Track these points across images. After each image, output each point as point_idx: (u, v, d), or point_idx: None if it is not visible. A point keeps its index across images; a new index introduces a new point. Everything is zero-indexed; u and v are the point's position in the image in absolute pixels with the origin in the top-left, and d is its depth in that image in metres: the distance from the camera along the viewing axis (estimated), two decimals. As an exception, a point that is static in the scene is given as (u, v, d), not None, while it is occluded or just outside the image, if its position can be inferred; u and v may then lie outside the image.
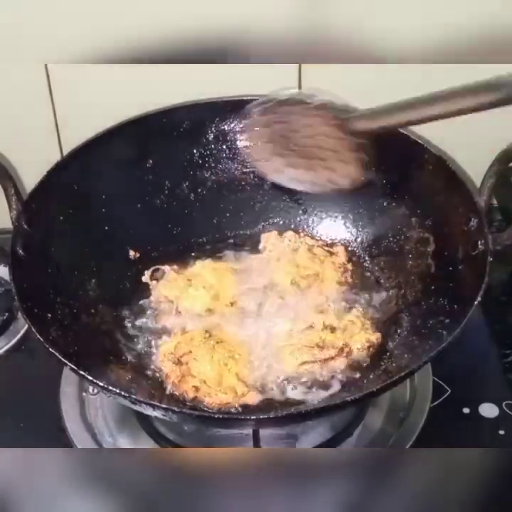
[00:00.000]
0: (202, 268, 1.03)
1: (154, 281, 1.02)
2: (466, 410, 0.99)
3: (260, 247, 1.06)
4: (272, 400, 0.91)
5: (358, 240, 1.07)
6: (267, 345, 0.96)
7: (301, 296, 1.00)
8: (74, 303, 0.95)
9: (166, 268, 1.03)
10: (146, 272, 1.03)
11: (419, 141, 1.00)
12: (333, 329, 0.95)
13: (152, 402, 0.81)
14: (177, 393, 0.90)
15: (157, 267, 1.03)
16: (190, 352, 0.92)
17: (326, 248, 1.06)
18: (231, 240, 1.09)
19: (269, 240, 1.06)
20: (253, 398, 0.89)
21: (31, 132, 1.13)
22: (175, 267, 1.03)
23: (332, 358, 0.93)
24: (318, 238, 1.08)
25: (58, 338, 0.87)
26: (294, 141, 0.94)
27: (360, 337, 0.94)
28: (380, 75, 1.08)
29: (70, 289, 0.96)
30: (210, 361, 0.91)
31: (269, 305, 1.00)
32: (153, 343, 0.97)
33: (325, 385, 0.92)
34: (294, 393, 0.92)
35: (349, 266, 1.04)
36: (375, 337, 0.95)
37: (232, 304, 1.00)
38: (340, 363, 0.93)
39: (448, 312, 0.89)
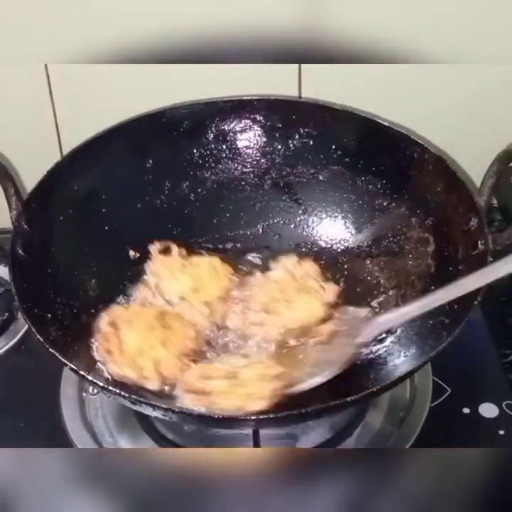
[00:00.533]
0: (202, 261, 1.02)
1: (160, 255, 1.03)
2: (466, 410, 0.99)
3: (272, 265, 1.04)
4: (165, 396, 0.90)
5: (358, 239, 1.07)
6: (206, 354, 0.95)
7: (265, 320, 0.98)
8: (74, 303, 0.95)
9: (174, 249, 1.03)
10: (156, 242, 1.03)
11: (419, 141, 1.00)
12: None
13: (152, 402, 0.81)
14: (99, 350, 0.90)
15: (169, 244, 1.03)
16: (131, 321, 0.92)
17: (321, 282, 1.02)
18: (231, 240, 1.09)
19: (285, 264, 1.04)
20: (152, 385, 0.89)
21: (31, 132, 1.13)
22: (183, 251, 1.03)
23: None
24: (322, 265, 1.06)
25: (58, 338, 0.87)
26: None
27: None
28: (380, 75, 1.08)
29: (70, 289, 0.96)
30: (141, 336, 0.91)
31: (231, 320, 0.99)
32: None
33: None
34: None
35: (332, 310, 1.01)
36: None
37: (206, 303, 0.99)
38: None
39: (448, 312, 0.89)
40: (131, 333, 0.91)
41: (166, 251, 1.03)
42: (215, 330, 0.98)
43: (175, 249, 1.03)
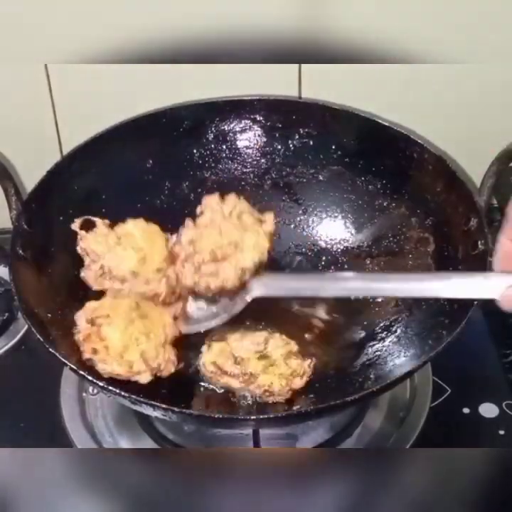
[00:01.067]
0: (133, 227, 0.99)
1: (83, 231, 0.97)
2: (466, 410, 0.99)
3: (198, 210, 0.99)
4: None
5: (358, 239, 1.07)
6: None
7: (215, 267, 0.95)
8: (74, 303, 0.95)
9: (98, 221, 0.98)
10: (76, 219, 0.97)
11: (419, 141, 1.00)
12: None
13: (152, 402, 0.81)
14: (85, 351, 0.88)
15: (89, 217, 0.98)
16: (108, 316, 0.90)
17: (257, 215, 0.98)
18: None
19: (208, 204, 0.99)
20: (144, 378, 0.88)
21: (31, 132, 1.13)
22: (107, 221, 0.99)
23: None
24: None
25: (58, 338, 0.87)
26: None
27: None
28: (380, 75, 1.08)
29: (70, 289, 0.96)
30: (123, 331, 0.89)
31: (186, 277, 0.95)
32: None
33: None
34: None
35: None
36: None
37: (158, 270, 0.96)
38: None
39: (448, 312, 0.89)
40: (112, 330, 0.89)
41: (88, 226, 0.98)
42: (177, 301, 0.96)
43: (98, 221, 0.98)
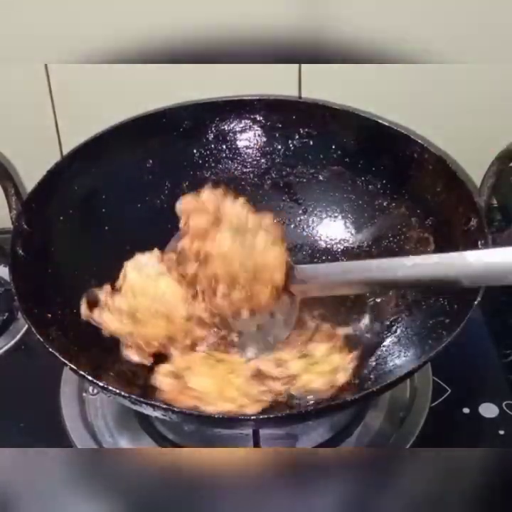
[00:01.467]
0: (135, 285, 0.92)
1: (97, 317, 0.91)
2: (466, 410, 0.99)
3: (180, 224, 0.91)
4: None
5: (358, 239, 1.07)
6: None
7: (245, 291, 0.89)
8: (74, 303, 0.95)
9: (102, 293, 0.91)
10: (82, 301, 0.91)
11: (419, 141, 1.00)
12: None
13: (152, 402, 0.81)
14: (183, 403, 0.85)
15: (90, 296, 0.92)
16: (189, 368, 0.89)
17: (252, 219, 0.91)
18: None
19: (186, 211, 0.90)
20: (254, 409, 0.85)
21: (31, 132, 1.13)
22: (108, 287, 0.93)
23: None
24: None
25: (58, 338, 0.87)
26: None
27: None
28: (380, 75, 1.09)
29: (70, 289, 0.96)
30: (210, 376, 0.88)
31: (225, 312, 0.90)
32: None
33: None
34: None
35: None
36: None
37: (188, 318, 0.90)
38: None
39: (448, 312, 0.89)
40: (201, 378, 0.87)
41: (94, 303, 0.93)
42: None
43: (101, 298, 0.92)
